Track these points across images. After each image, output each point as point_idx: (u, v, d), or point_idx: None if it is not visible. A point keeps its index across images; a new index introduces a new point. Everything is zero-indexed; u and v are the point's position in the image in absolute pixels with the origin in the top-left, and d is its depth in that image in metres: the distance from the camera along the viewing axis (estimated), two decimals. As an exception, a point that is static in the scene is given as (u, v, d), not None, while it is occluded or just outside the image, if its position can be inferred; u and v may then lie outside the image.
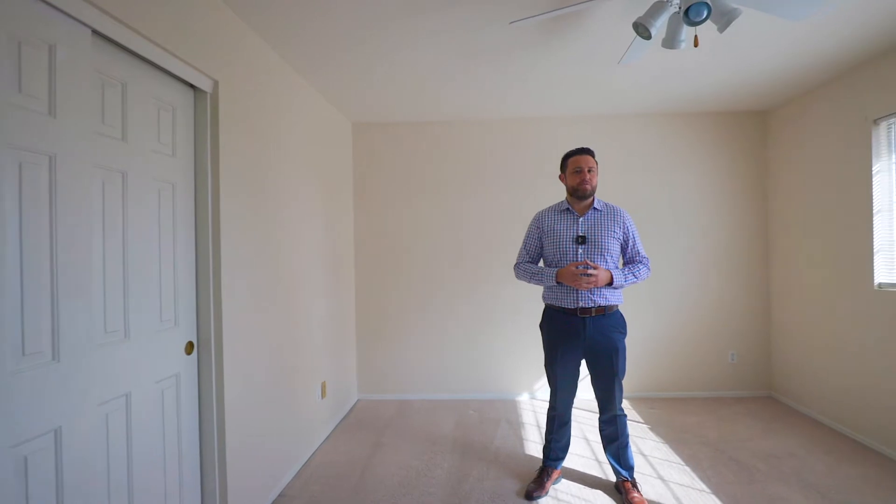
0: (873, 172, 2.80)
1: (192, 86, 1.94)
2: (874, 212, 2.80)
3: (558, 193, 2.85)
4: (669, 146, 3.88)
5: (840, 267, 3.07)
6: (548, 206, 2.56)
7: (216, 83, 2.01)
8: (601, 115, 3.86)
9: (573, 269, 2.19)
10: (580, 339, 2.29)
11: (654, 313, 3.84)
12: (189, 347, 1.91)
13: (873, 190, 2.80)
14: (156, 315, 1.74)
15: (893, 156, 2.75)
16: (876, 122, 2.80)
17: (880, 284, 2.80)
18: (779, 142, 3.68)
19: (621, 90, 3.29)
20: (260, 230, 2.37)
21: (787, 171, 3.59)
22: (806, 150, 3.38)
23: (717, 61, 2.79)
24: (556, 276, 2.26)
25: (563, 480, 2.53)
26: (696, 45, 1.73)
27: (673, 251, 3.84)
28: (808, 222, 3.37)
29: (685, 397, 3.84)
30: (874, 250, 2.80)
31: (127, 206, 1.61)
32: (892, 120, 2.74)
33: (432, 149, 3.98)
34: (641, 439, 3.02)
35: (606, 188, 3.42)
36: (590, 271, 2.16)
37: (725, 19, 1.61)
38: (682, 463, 2.71)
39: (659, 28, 1.70)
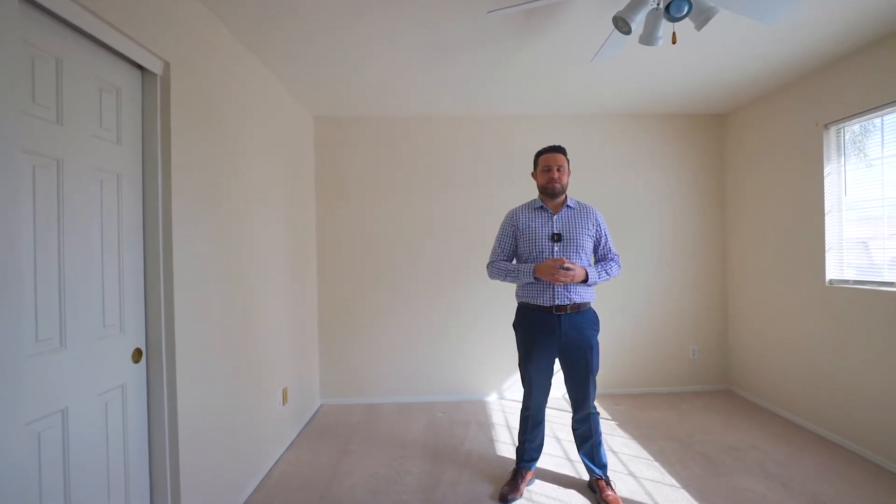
0: (825, 174, 2.95)
1: (139, 66, 1.75)
2: (826, 212, 2.94)
3: (529, 191, 2.82)
4: (632, 146, 3.95)
5: (794, 264, 3.22)
6: (519, 204, 2.53)
7: (167, 65, 1.83)
8: (569, 114, 3.88)
9: (551, 263, 2.15)
10: (555, 336, 2.26)
11: (618, 312, 3.90)
12: (137, 355, 1.73)
13: (825, 191, 2.94)
14: (97, 320, 1.56)
15: (843, 159, 2.91)
16: (826, 126, 2.94)
17: (831, 281, 2.95)
18: (736, 144, 3.83)
19: (591, 89, 3.31)
20: (215, 225, 2.19)
21: (743, 172, 3.74)
22: (762, 153, 3.52)
23: (681, 65, 2.85)
24: (534, 272, 2.21)
25: (537, 481, 2.50)
26: (674, 41, 1.73)
27: (635, 250, 3.90)
28: (763, 222, 3.52)
29: (649, 393, 3.92)
30: (826, 248, 2.95)
31: (63, 196, 1.42)
32: (841, 125, 2.88)
33: (400, 145, 3.88)
34: (610, 436, 3.05)
35: (572, 186, 3.43)
36: (567, 264, 2.14)
37: (703, 17, 1.62)
38: (651, 458, 2.75)
39: (638, 23, 1.68)
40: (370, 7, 2.13)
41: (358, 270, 3.87)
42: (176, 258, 1.84)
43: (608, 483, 2.33)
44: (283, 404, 3.00)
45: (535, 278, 2.23)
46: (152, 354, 1.80)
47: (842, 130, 2.91)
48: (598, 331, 2.34)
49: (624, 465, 2.68)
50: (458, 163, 3.89)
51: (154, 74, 1.79)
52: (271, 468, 2.71)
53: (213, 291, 2.15)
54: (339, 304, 3.86)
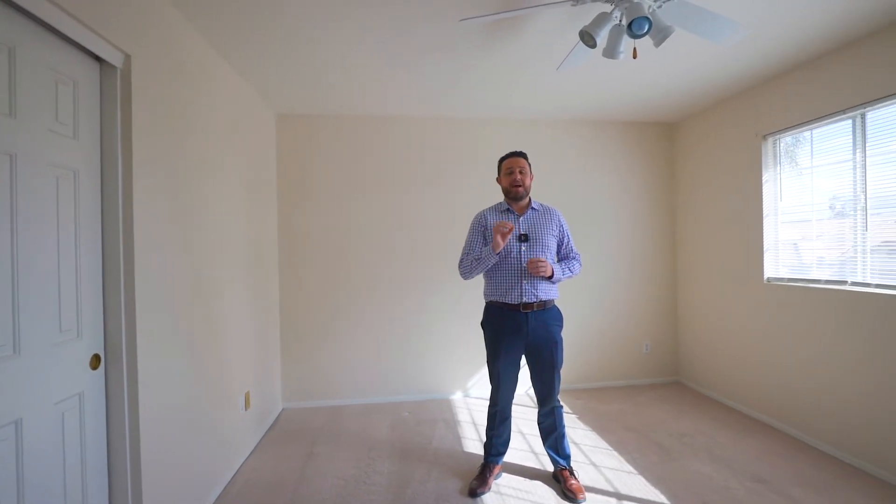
0: (763, 181, 3.21)
1: (97, 58, 1.67)
2: (764, 216, 3.21)
3: (494, 193, 2.90)
4: (591, 152, 4.12)
5: (736, 264, 3.48)
6: (485, 206, 2.60)
7: (128, 58, 1.75)
8: (533, 119, 4.00)
9: (497, 227, 2.23)
10: (522, 333, 2.35)
11: (577, 310, 4.04)
12: (95, 361, 1.65)
13: (763, 196, 3.21)
14: (53, 325, 1.48)
15: (778, 167, 3.18)
16: (765, 137, 3.21)
17: (769, 279, 3.22)
18: (684, 151, 4.09)
19: (555, 96, 3.43)
20: (177, 224, 2.11)
21: (691, 177, 3.99)
22: (707, 160, 3.78)
23: (639, 77, 3.02)
24: (494, 245, 2.26)
25: (504, 474, 2.58)
26: (634, 56, 1.84)
27: (592, 251, 4.06)
28: (709, 224, 3.78)
29: (606, 387, 4.11)
30: (764, 249, 3.21)
31: (16, 194, 1.34)
32: (777, 136, 3.15)
33: (365, 145, 3.85)
34: (572, 429, 3.18)
35: (536, 188, 3.54)
36: (541, 258, 2.26)
37: (661, 35, 1.74)
38: (610, 448, 2.90)
39: (602, 37, 1.78)
40: (339, 8, 2.12)
41: (320, 271, 3.81)
42: (137, 259, 1.77)
43: (572, 473, 2.44)
44: (246, 409, 2.92)
45: (497, 253, 2.29)
46: (112, 360, 1.72)
47: (777, 141, 3.18)
48: (562, 327, 2.44)
49: (585, 455, 2.81)
50: (424, 164, 3.92)
51: (114, 67, 1.71)
52: (234, 475, 2.64)
53: (174, 293, 2.07)
54: (301, 306, 3.79)
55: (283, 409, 3.72)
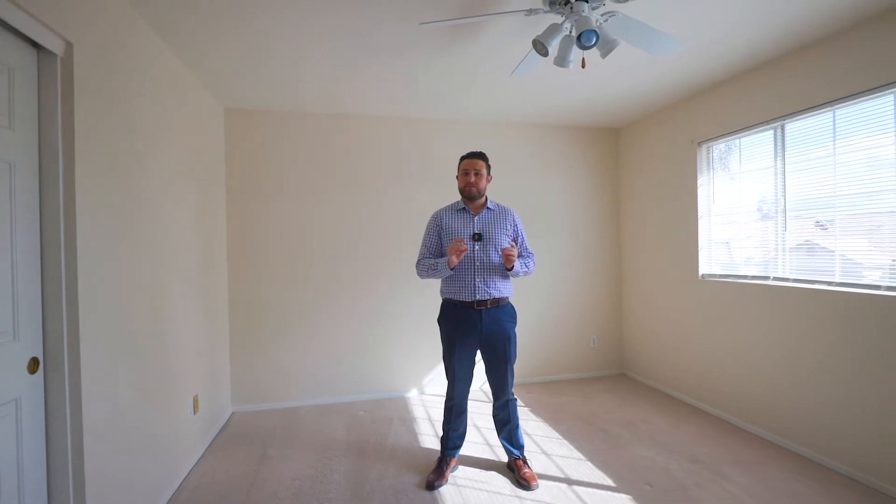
0: (698, 185, 3.47)
1: (35, 44, 1.58)
2: (699, 217, 3.47)
3: (449, 194, 2.97)
4: (541, 154, 4.28)
5: (674, 262, 3.74)
6: (442, 206, 2.66)
7: (69, 46, 1.66)
8: (488, 121, 4.10)
9: (454, 244, 2.32)
10: (477, 330, 2.43)
11: (529, 307, 4.19)
12: (33, 365, 1.56)
13: (698, 199, 3.47)
14: (-14, 327, 1.39)
15: (712, 172, 3.45)
16: (699, 144, 3.47)
17: (703, 275, 3.48)
18: (627, 155, 4.33)
19: (508, 100, 3.54)
20: (121, 221, 2.02)
21: (633, 180, 4.24)
22: (648, 164, 4.03)
23: (587, 84, 3.19)
24: (448, 262, 2.34)
25: (460, 467, 2.65)
26: (583, 66, 1.96)
27: (542, 250, 4.21)
28: (650, 225, 4.03)
29: (556, 380, 4.29)
30: (699, 248, 3.47)
31: (-55, 188, 1.26)
32: (710, 143, 3.42)
33: (319, 142, 3.81)
34: (524, 420, 3.30)
35: (492, 188, 3.64)
36: (509, 247, 2.36)
37: (607, 47, 1.86)
38: (561, 437, 3.04)
39: (554, 47, 1.88)
40: (294, 3, 2.11)
41: (272, 271, 3.73)
42: (80, 257, 1.68)
43: (525, 462, 2.54)
44: (195, 413, 2.83)
45: (452, 269, 2.37)
46: (51, 364, 1.63)
47: (711, 148, 3.45)
48: (515, 323, 2.54)
49: (537, 444, 2.93)
50: (381, 164, 3.92)
51: (54, 55, 1.62)
52: (184, 480, 2.55)
53: (119, 293, 1.98)
54: (252, 307, 3.69)
55: (232, 413, 3.62)
